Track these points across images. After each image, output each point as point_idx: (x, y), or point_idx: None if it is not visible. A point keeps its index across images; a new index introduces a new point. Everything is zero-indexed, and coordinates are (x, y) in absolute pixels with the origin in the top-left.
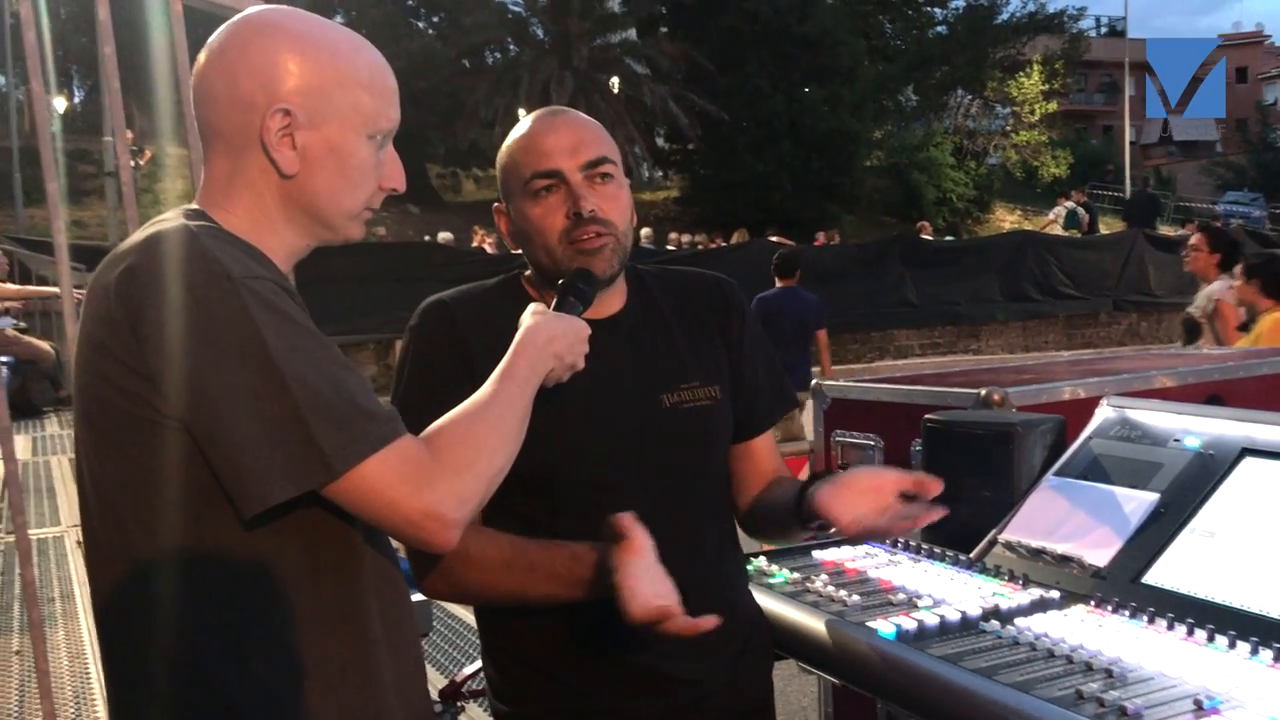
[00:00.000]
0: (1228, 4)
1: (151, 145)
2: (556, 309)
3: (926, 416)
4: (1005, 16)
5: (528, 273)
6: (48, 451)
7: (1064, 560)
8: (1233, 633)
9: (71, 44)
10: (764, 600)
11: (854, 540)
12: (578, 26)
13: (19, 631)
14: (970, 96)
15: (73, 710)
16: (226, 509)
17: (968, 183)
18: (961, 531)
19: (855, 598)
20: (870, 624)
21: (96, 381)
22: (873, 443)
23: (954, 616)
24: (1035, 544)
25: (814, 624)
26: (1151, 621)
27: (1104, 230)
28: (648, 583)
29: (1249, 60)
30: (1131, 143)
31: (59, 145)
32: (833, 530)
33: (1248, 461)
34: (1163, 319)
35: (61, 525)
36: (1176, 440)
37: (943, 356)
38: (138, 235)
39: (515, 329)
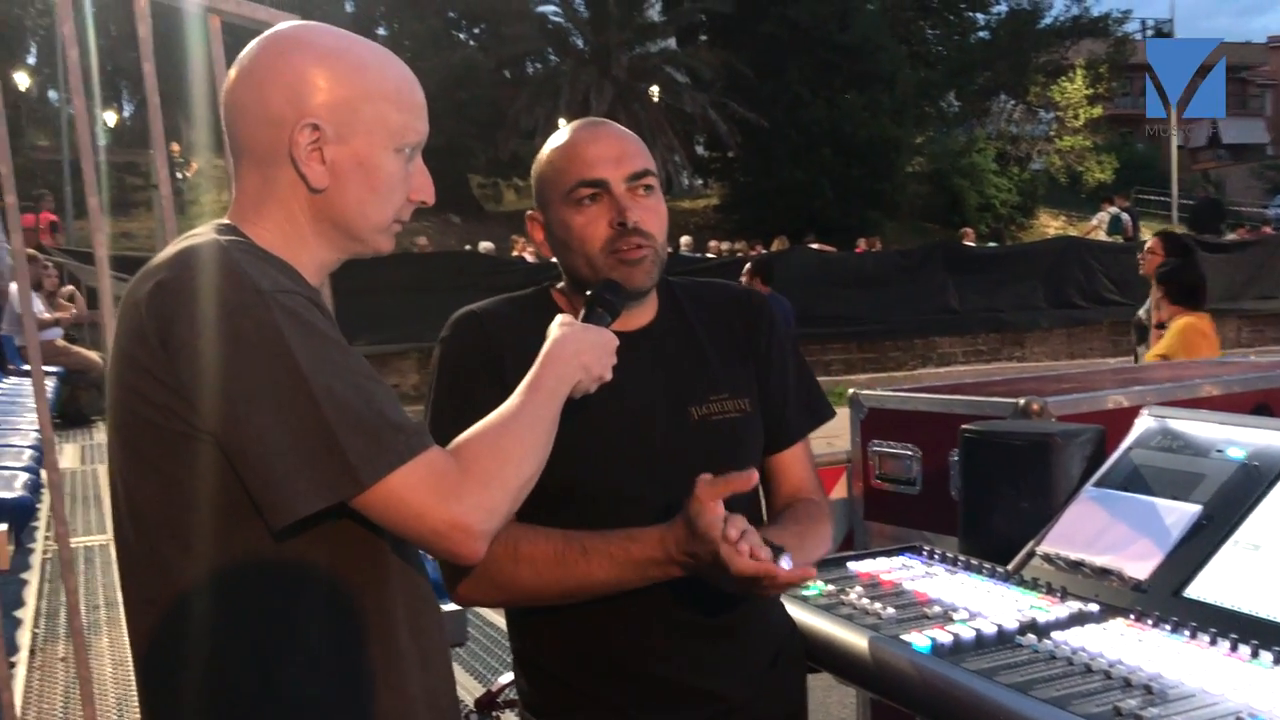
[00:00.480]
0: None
1: (197, 158)
2: (584, 320)
3: (964, 426)
4: (1049, 20)
5: (559, 285)
6: (95, 460)
7: (1103, 573)
8: (1277, 649)
9: (121, 60)
10: (798, 613)
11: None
12: (617, 36)
13: (65, 638)
14: (1013, 102)
15: (115, 717)
16: (256, 521)
17: (1011, 188)
18: (999, 543)
19: (890, 610)
20: (905, 637)
21: (129, 395)
22: (910, 453)
23: (990, 630)
24: (1074, 556)
25: (848, 637)
26: (1193, 636)
27: (1148, 235)
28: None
29: None
30: (1179, 146)
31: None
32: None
33: None
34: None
35: (108, 533)
36: (1220, 451)
37: (986, 364)
38: (169, 250)
39: (545, 340)
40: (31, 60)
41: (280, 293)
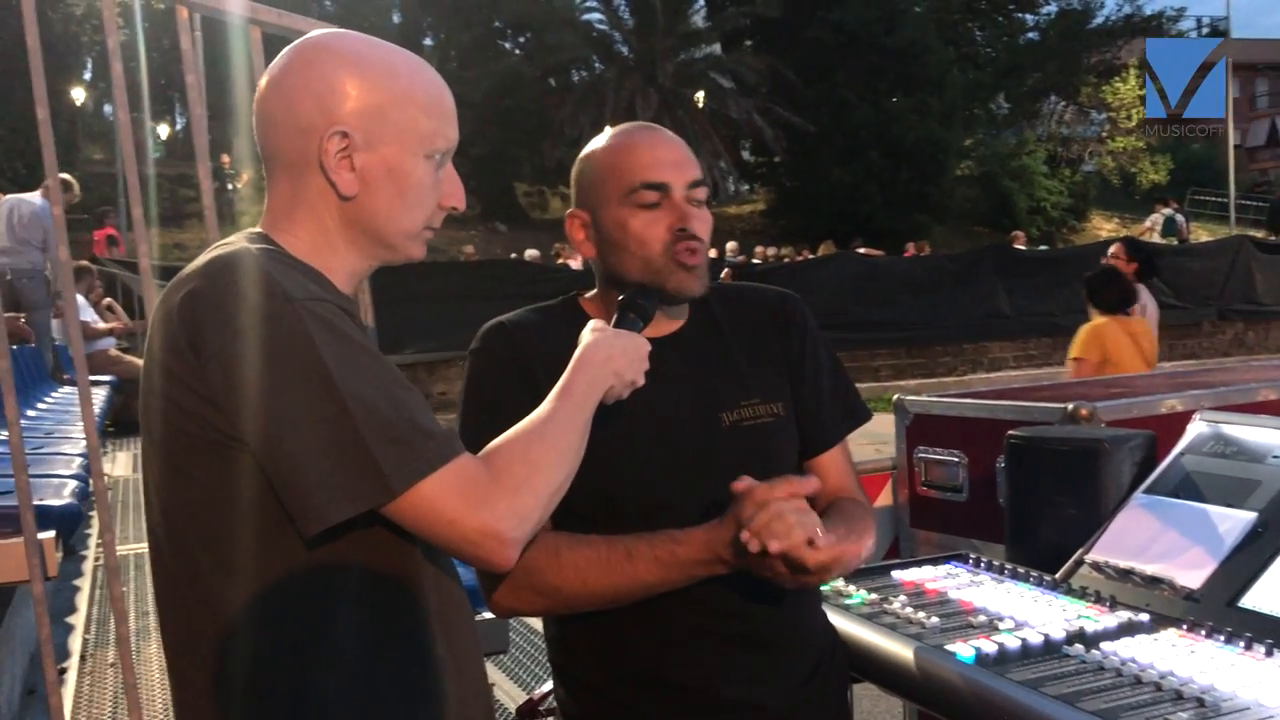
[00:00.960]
0: None
1: (249, 169)
2: (616, 326)
3: (1009, 432)
4: (1100, 20)
5: (588, 294)
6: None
7: (1154, 582)
8: None
9: (174, 73)
10: (840, 622)
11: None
12: (662, 43)
13: (115, 644)
14: (1064, 103)
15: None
16: (290, 529)
17: (1062, 191)
18: (1046, 551)
19: (934, 619)
20: (949, 647)
21: (161, 403)
22: (956, 459)
23: (1036, 640)
24: (1124, 564)
25: (891, 646)
26: (1248, 648)
27: (1206, 237)
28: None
29: None
30: (1236, 146)
31: (152, 171)
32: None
33: None
34: (1271, 329)
35: None
36: (1276, 456)
37: (1037, 369)
38: (201, 259)
39: (574, 349)
40: (87, 75)
41: (311, 300)
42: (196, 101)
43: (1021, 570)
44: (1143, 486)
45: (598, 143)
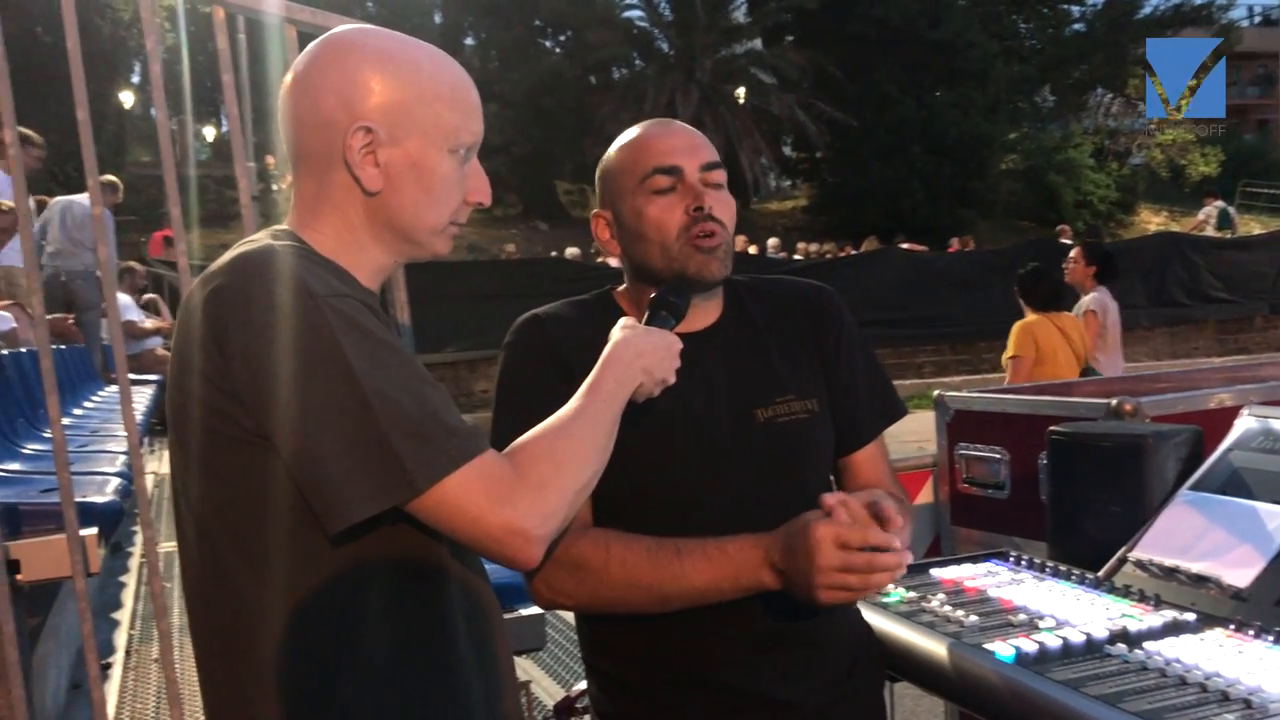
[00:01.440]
0: None
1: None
2: (648, 323)
3: (1052, 428)
4: (1148, 10)
5: (621, 288)
6: None
7: (1200, 580)
8: None
9: (219, 75)
10: (877, 620)
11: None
12: (702, 39)
13: (158, 641)
14: (1111, 95)
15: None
16: (315, 527)
17: (1109, 184)
18: (1089, 549)
19: (973, 618)
20: (988, 646)
21: (187, 400)
22: (998, 456)
23: (1078, 639)
24: (1169, 563)
25: (929, 645)
26: None
27: (1259, 230)
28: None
29: None
30: None
31: (194, 173)
32: None
33: None
34: None
35: None
36: None
37: None
38: (225, 256)
39: (607, 342)
40: (135, 79)
41: (334, 297)
42: (233, 101)
43: (1063, 568)
44: (1188, 483)
45: (615, 144)
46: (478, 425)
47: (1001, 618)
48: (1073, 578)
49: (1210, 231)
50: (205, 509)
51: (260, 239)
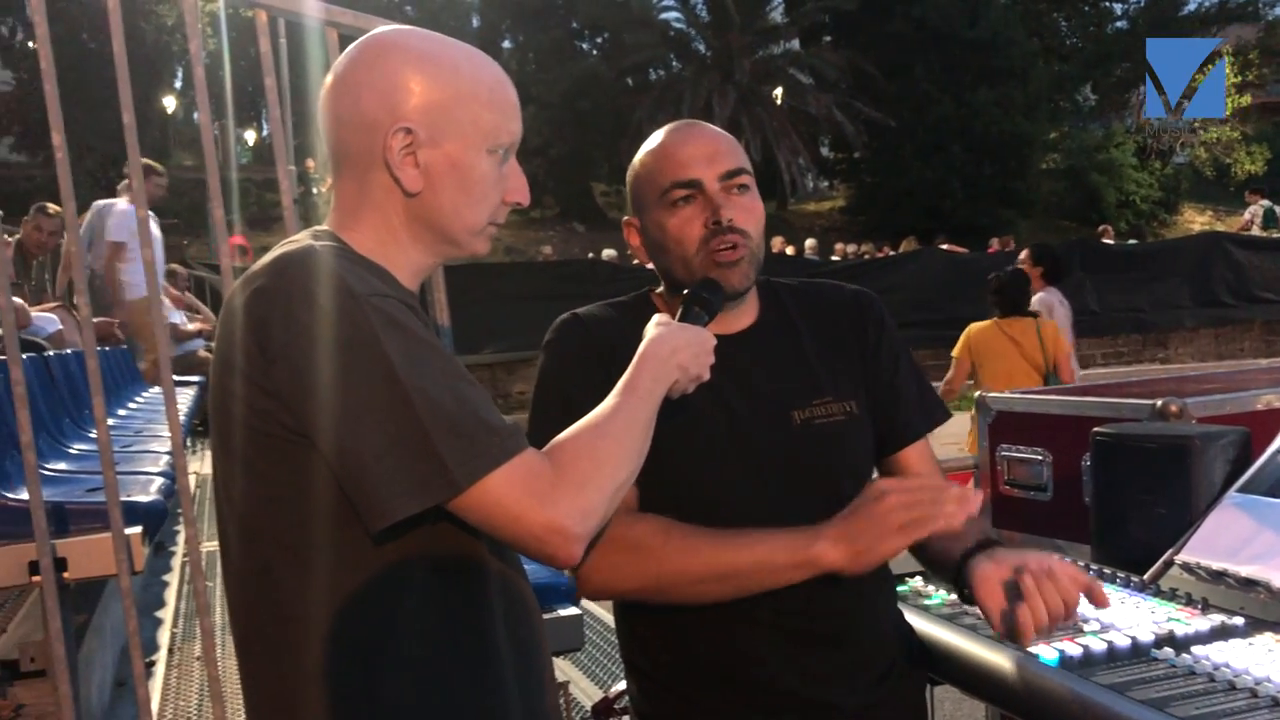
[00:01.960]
0: None
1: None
2: (681, 319)
3: (1095, 429)
4: (1192, 7)
5: (659, 289)
6: None
7: (1249, 584)
8: None
9: (260, 79)
10: (919, 622)
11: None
12: (739, 40)
13: (200, 639)
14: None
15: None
16: (356, 525)
17: (1152, 183)
18: (1134, 551)
19: None
20: (1031, 649)
21: (229, 400)
22: (1040, 457)
23: (1123, 642)
24: (1217, 566)
25: (971, 648)
26: None
27: None
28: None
29: None
30: None
31: (235, 176)
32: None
33: None
34: None
35: None
36: None
37: (1127, 366)
38: (267, 257)
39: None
40: (178, 84)
41: (375, 296)
42: (275, 104)
43: (1108, 571)
44: (1236, 485)
45: (643, 148)
46: (518, 424)
47: None
48: (1117, 580)
49: (1256, 230)
50: (247, 508)
51: (301, 239)
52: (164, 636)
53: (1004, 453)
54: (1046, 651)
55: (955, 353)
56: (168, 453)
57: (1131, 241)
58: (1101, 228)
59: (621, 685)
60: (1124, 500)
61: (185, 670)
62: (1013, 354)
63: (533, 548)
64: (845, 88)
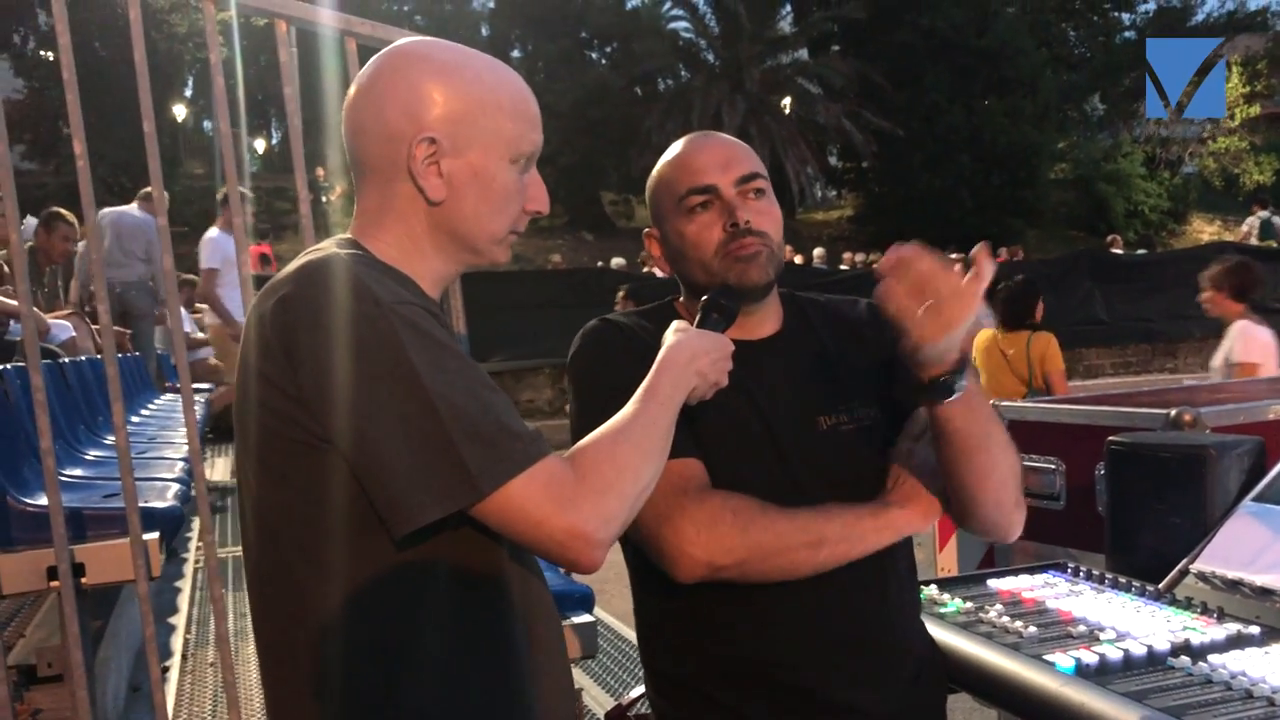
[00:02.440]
0: None
1: (342, 181)
2: (699, 326)
3: (1110, 438)
4: (1200, 17)
5: (681, 298)
6: None
7: (1265, 593)
8: None
9: (270, 88)
10: (935, 630)
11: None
12: (748, 50)
13: (215, 644)
14: (1163, 103)
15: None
16: (379, 530)
17: (1161, 193)
18: (1149, 561)
19: (1032, 629)
20: (1047, 657)
21: (254, 406)
22: (1054, 466)
23: (1139, 651)
24: (1232, 575)
25: (987, 656)
26: None
27: None
28: None
29: None
30: None
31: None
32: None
33: None
34: None
35: None
36: None
37: (1136, 376)
38: (292, 265)
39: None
40: (188, 92)
41: (399, 304)
42: (294, 114)
43: (1123, 580)
44: (1251, 494)
45: (661, 159)
46: (539, 430)
47: (1061, 629)
48: (1132, 589)
49: (1254, 241)
50: (270, 512)
51: (325, 248)
52: (178, 642)
53: None
54: (1063, 660)
55: None
56: (182, 459)
57: (1140, 251)
58: (1110, 237)
59: (635, 692)
60: (1139, 509)
61: (199, 676)
62: (1001, 366)
63: (555, 553)
64: (854, 97)
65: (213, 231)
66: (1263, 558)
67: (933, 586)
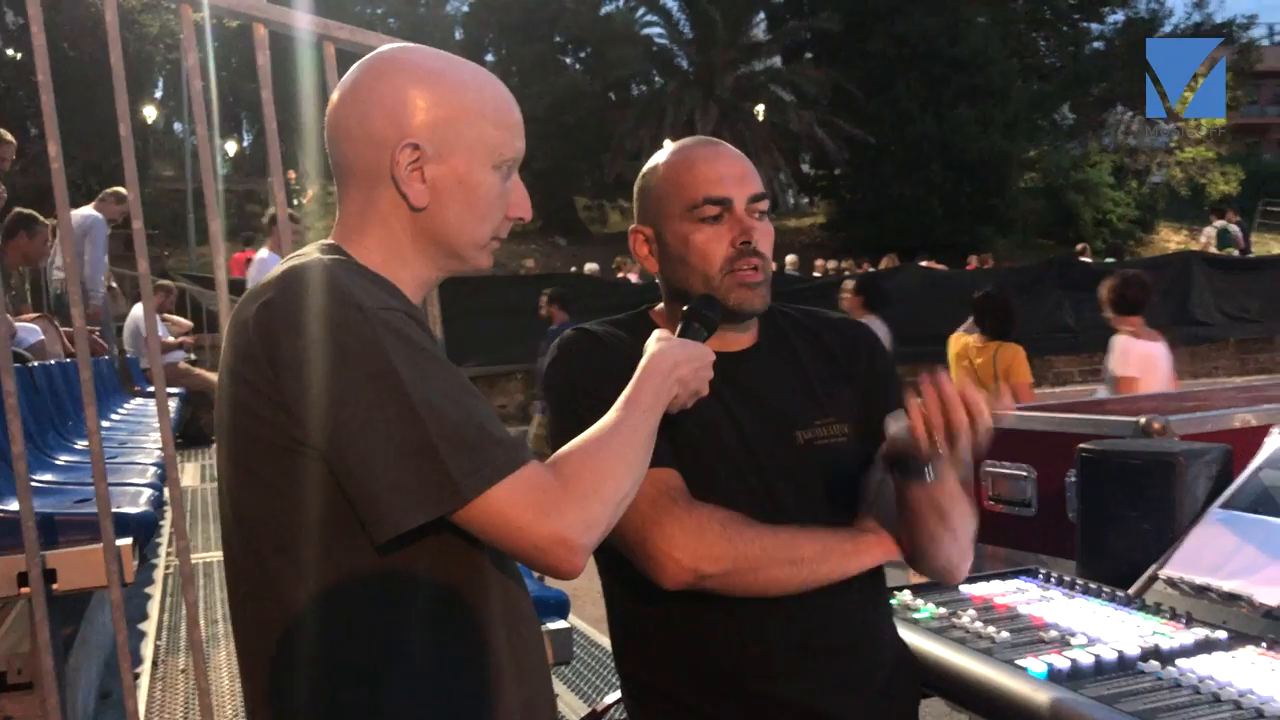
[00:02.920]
0: None
1: (314, 185)
2: (681, 335)
3: (1081, 446)
4: (1168, 28)
5: (658, 307)
6: (215, 479)
7: (1231, 598)
8: None
9: (241, 91)
10: (908, 635)
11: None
12: (722, 56)
13: (186, 651)
14: (1131, 113)
15: None
16: (360, 535)
17: (1129, 202)
18: (1119, 567)
19: (1004, 634)
20: (1020, 662)
21: (237, 412)
22: (1025, 473)
23: (1110, 656)
24: (1200, 580)
25: (960, 661)
26: None
27: (1258, 251)
28: None
29: None
30: None
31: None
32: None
33: None
34: None
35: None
36: None
37: (1103, 383)
38: (275, 271)
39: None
40: (159, 94)
41: (382, 310)
42: (271, 118)
43: (1093, 586)
44: (1219, 501)
45: (659, 158)
46: (521, 437)
47: (1033, 634)
48: (1102, 595)
49: (1213, 250)
50: (253, 518)
51: (308, 253)
52: (148, 649)
53: (988, 469)
54: (1035, 665)
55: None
56: (154, 464)
57: (1109, 260)
58: (1079, 246)
59: (610, 699)
60: (1109, 516)
61: (170, 683)
62: (968, 374)
63: (536, 559)
64: (826, 105)
65: (263, 252)
66: (1229, 564)
67: (906, 592)
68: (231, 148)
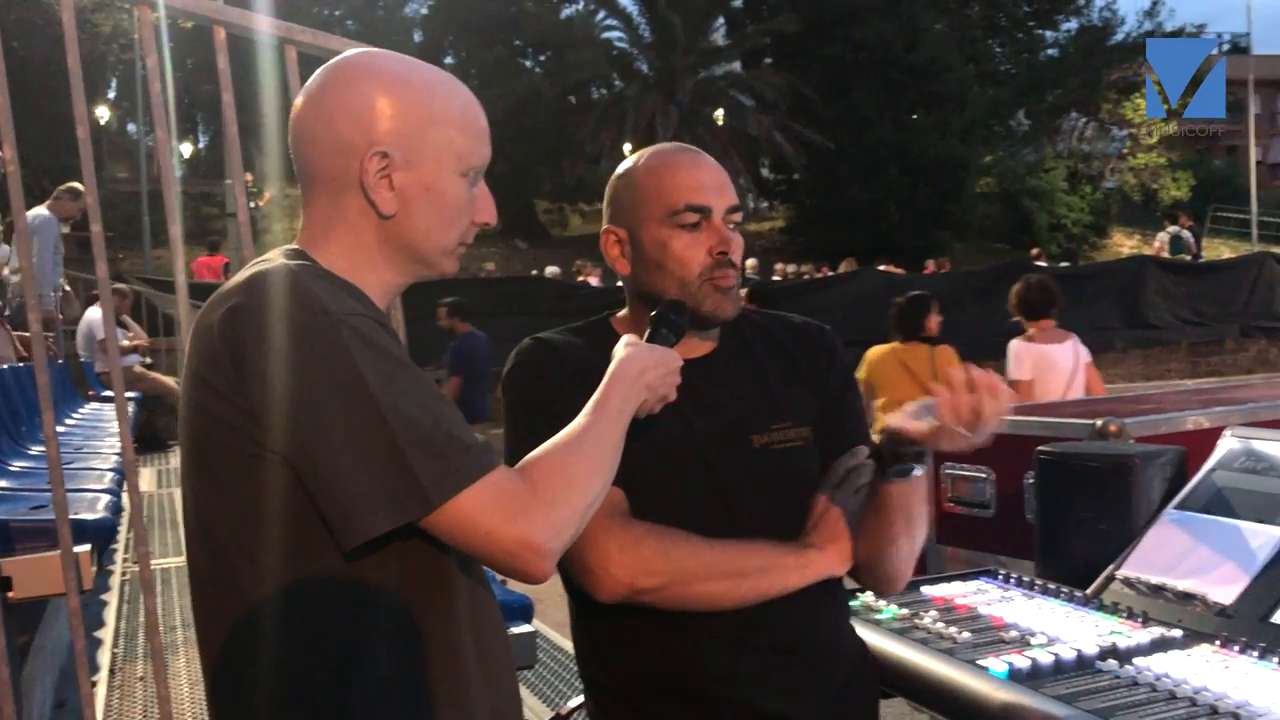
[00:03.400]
0: None
1: (271, 187)
2: (649, 340)
3: (1039, 448)
4: (1120, 36)
5: (619, 314)
6: (171, 484)
7: (1186, 598)
8: None
9: (197, 92)
10: (870, 636)
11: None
12: (682, 61)
13: (144, 658)
14: (1085, 119)
15: None
16: (326, 541)
17: (1083, 207)
18: (1077, 567)
19: (966, 635)
20: (981, 662)
21: (201, 416)
22: (984, 475)
23: (1069, 655)
24: (1155, 580)
25: (922, 661)
26: None
27: (1229, 254)
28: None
29: None
30: (1258, 162)
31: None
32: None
33: None
34: None
35: (184, 555)
36: None
37: None
38: (240, 275)
39: (608, 366)
40: (112, 94)
41: (348, 315)
42: (231, 121)
43: (1052, 586)
44: (1174, 502)
45: (636, 161)
46: (489, 442)
47: (993, 634)
48: (1061, 595)
49: (1165, 254)
50: (217, 524)
51: (273, 258)
52: (104, 657)
53: (947, 471)
54: (996, 664)
55: (859, 374)
56: (111, 470)
57: (1063, 264)
58: (1034, 250)
59: (573, 703)
60: (1066, 517)
61: (128, 690)
62: (905, 379)
63: (505, 564)
64: (785, 110)
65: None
66: (1184, 563)
67: (868, 593)
68: (187, 149)
